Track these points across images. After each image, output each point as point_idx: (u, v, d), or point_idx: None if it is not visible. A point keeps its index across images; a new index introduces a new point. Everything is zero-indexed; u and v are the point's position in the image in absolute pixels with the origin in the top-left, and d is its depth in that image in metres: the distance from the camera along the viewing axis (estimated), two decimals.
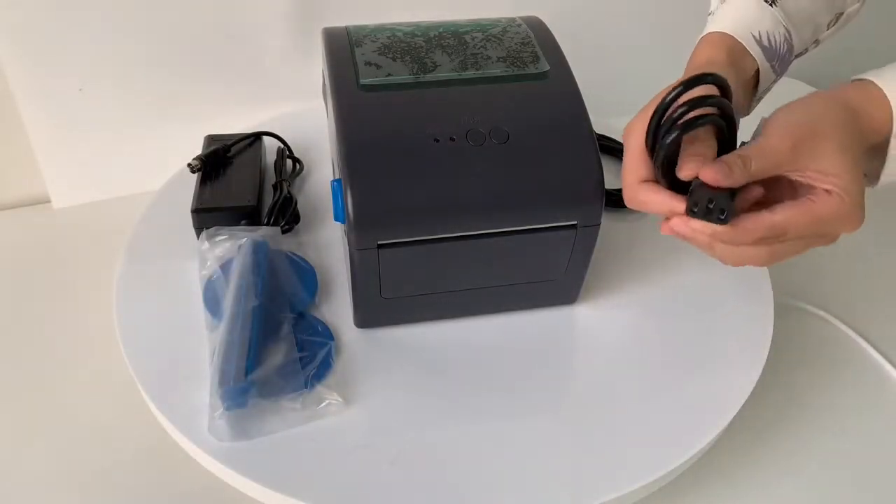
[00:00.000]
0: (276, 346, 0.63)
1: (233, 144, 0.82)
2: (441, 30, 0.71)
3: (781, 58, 0.66)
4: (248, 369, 0.60)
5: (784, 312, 0.79)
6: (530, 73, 0.67)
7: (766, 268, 0.76)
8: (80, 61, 0.84)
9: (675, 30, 1.10)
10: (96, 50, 0.84)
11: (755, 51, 0.63)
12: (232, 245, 0.71)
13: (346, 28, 0.72)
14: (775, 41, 0.65)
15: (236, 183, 0.78)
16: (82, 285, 0.77)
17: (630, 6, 1.05)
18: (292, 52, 0.91)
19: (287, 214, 0.76)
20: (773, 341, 0.69)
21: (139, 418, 0.60)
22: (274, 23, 0.89)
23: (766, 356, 0.68)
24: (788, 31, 0.65)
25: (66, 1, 0.79)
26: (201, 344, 0.65)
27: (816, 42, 0.71)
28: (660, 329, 0.71)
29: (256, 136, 0.84)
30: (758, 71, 0.64)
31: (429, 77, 0.66)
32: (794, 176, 0.53)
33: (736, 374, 0.67)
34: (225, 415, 0.58)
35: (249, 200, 0.75)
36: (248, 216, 0.74)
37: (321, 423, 0.60)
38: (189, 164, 0.77)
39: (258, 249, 0.70)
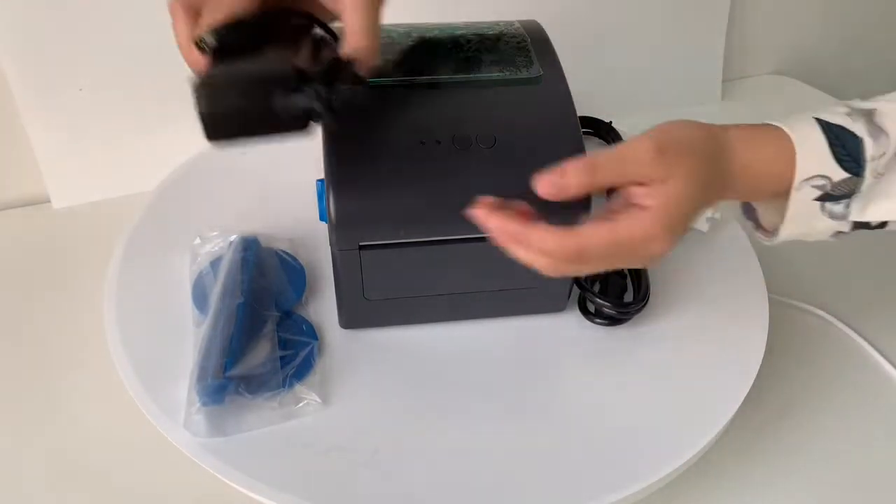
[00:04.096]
0: (258, 343, 0.63)
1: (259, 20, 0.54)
2: (436, 32, 0.71)
3: None
4: (228, 366, 0.60)
5: (783, 312, 0.78)
6: (523, 77, 0.67)
7: (758, 266, 0.75)
8: (80, 61, 0.84)
9: (676, 30, 1.10)
10: (96, 50, 0.84)
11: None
12: (224, 242, 0.71)
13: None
14: None
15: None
16: (82, 285, 0.77)
17: (631, 8, 1.05)
18: None
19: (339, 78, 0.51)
20: (772, 341, 0.68)
21: (135, 415, 0.60)
22: None
23: (762, 355, 0.67)
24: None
25: (66, 1, 0.80)
26: (189, 340, 0.65)
27: None
28: (652, 332, 0.70)
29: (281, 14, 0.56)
30: None
31: (419, 79, 0.65)
32: None
33: (732, 375, 0.66)
34: (202, 410, 0.58)
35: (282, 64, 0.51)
36: (282, 83, 0.49)
37: (298, 422, 0.60)
38: (198, 41, 0.51)
39: (248, 247, 0.70)
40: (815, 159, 0.50)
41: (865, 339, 0.78)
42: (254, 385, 0.60)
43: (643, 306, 0.70)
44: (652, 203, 0.48)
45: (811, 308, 0.81)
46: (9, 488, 0.63)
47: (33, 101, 0.84)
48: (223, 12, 0.50)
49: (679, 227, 0.49)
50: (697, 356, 0.68)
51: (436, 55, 0.68)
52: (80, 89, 0.85)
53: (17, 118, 0.85)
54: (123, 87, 0.87)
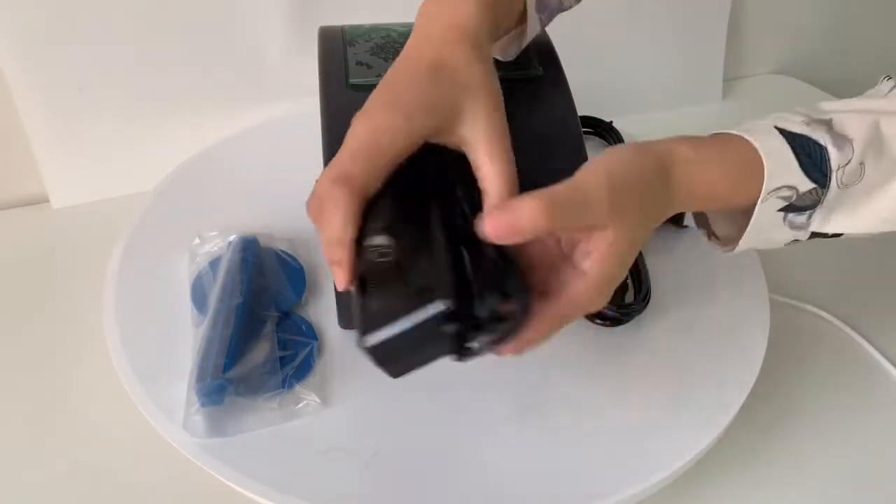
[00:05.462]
0: (258, 344, 0.63)
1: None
2: None
3: (550, 11, 0.60)
4: (227, 366, 0.59)
5: (783, 312, 0.78)
6: (523, 76, 0.67)
7: (759, 266, 0.75)
8: (80, 61, 0.84)
9: (677, 30, 1.10)
10: (95, 49, 0.84)
11: None
12: (223, 242, 0.71)
13: (342, 27, 0.72)
14: None
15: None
16: (80, 285, 0.77)
17: (632, 7, 1.05)
18: (293, 51, 0.91)
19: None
20: (772, 341, 0.68)
21: (134, 415, 0.60)
22: (274, 22, 0.89)
23: (762, 356, 0.67)
24: None
25: (66, 1, 0.80)
26: (188, 340, 0.65)
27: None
28: (653, 332, 0.70)
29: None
30: (523, 15, 0.58)
31: None
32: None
33: (733, 375, 0.66)
34: (201, 411, 0.57)
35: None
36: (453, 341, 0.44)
37: (298, 422, 0.60)
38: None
39: (247, 247, 0.70)
40: (782, 170, 0.49)
41: (865, 338, 0.78)
42: (253, 385, 0.60)
43: (644, 307, 0.69)
44: (589, 268, 0.47)
45: (811, 308, 0.81)
46: (8, 488, 0.63)
47: (33, 100, 0.84)
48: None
49: (616, 281, 0.48)
50: (698, 356, 0.68)
51: None
52: (80, 89, 0.85)
53: (17, 118, 0.85)
54: (123, 87, 0.87)
